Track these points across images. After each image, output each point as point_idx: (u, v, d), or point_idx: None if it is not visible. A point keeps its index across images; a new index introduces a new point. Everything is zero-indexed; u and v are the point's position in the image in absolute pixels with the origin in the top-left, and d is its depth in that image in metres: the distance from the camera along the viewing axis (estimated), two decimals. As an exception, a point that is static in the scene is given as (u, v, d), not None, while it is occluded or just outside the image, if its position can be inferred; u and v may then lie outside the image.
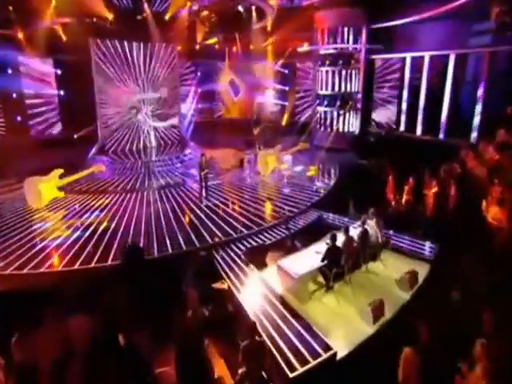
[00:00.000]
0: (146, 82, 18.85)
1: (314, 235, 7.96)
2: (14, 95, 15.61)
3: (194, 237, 8.46)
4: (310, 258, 6.81)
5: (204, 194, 11.05)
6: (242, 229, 8.86)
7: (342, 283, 6.56)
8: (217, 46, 21.46)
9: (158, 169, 15.14)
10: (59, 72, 17.07)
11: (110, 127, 18.45)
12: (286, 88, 22.16)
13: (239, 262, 7.49)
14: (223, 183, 13.06)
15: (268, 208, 10.37)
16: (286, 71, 21.91)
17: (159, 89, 19.05)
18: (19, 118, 15.95)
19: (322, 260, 6.43)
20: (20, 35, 14.79)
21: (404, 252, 7.50)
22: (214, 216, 9.73)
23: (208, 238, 8.44)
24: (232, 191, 12.04)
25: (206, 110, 22.82)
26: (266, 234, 8.80)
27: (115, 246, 7.98)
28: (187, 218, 9.59)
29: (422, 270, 6.62)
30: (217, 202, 10.90)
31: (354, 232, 7.15)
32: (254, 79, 21.99)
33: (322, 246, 6.91)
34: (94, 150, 17.34)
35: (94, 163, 14.50)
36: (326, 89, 18.10)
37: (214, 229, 8.90)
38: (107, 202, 11.29)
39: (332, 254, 6.49)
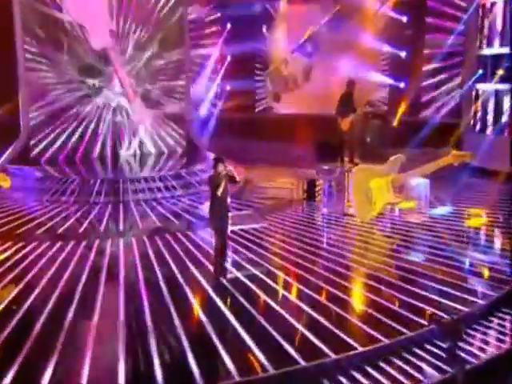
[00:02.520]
0: (123, 32, 19.50)
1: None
2: None
3: (194, 366, 7.14)
4: None
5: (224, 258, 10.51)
6: (329, 352, 7.46)
7: None
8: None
9: (139, 196, 15.75)
10: None
11: (45, 112, 18.80)
12: (403, 54, 21.66)
13: None
14: (272, 231, 12.96)
15: (382, 296, 9.39)
16: (404, 19, 21.39)
17: (149, 47, 19.80)
18: None
19: None
20: None
21: None
22: (248, 307, 8.87)
23: (231, 367, 7.17)
24: (292, 250, 11.64)
25: (241, 96, 23.03)
26: (396, 362, 7.48)
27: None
28: (195, 312, 8.95)
29: None
30: (255, 272, 10.42)
31: None
32: (338, 36, 21.61)
33: None
34: (7, 154, 17.60)
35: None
36: (503, 43, 17.47)
37: (248, 342, 7.78)
38: (8, 255, 11.33)
39: None
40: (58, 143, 18.99)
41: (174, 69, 20.40)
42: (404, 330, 7.98)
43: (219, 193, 10.02)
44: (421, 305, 8.83)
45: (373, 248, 11.86)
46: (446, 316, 7.58)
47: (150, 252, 11.62)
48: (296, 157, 17.94)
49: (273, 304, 8.92)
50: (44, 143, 18.80)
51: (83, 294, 9.54)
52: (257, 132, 21.03)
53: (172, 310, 8.88)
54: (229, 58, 22.65)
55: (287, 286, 9.90)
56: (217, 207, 10.16)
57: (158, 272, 10.43)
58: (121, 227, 13.26)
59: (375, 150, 15.66)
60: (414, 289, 9.49)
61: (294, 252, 11.54)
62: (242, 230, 12.27)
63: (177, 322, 8.49)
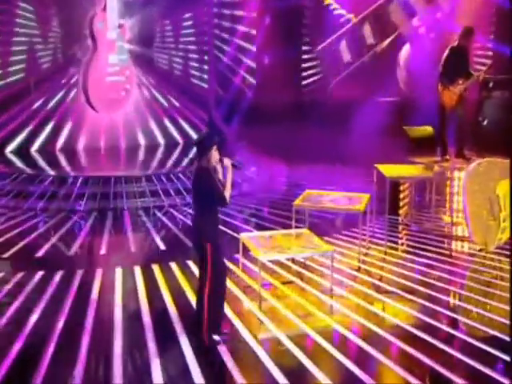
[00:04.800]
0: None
1: None
2: None
3: None
4: None
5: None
6: None
7: None
8: None
9: (137, 202, 15.59)
10: None
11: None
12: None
13: None
14: (336, 260, 11.55)
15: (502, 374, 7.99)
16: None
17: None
18: None
19: None
20: None
21: None
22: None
23: None
24: (366, 293, 10.47)
25: (284, 71, 22.69)
26: None
27: None
28: None
29: None
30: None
31: None
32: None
33: None
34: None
35: None
36: None
37: None
38: None
39: None
40: (30, 126, 18.40)
41: (191, 35, 20.47)
42: None
43: (228, 194, 8.03)
44: None
45: (498, 293, 9.99)
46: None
47: (141, 294, 9.57)
48: (373, 150, 16.64)
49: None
50: (9, 125, 18.21)
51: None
52: (306, 118, 20.53)
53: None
54: (267, 21, 22.33)
55: (356, 355, 7.78)
56: (215, 218, 8.30)
57: (149, 337, 8.00)
58: (103, 250, 11.87)
59: (497, 137, 13.91)
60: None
61: (368, 296, 9.81)
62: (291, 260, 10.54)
63: None
